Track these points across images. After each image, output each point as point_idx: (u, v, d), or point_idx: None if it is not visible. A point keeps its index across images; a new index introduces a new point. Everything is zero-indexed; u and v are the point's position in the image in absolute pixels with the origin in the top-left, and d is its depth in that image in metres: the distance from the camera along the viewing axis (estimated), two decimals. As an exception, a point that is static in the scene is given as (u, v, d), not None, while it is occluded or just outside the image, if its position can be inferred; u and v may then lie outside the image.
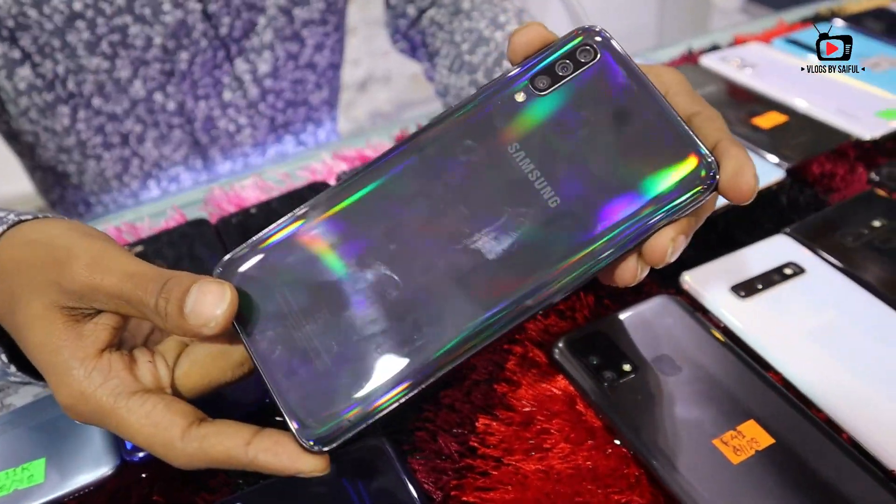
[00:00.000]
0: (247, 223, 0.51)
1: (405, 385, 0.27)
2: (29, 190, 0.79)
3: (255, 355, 0.28)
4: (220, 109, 0.71)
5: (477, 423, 0.36)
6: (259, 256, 0.29)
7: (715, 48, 0.71)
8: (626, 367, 0.37)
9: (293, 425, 0.27)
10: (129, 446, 0.36)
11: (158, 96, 0.66)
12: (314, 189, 0.54)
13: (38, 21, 0.56)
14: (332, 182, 0.56)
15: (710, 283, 0.42)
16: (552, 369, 0.39)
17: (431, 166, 0.29)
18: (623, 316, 0.40)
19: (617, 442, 0.35)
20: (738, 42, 0.72)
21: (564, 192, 0.28)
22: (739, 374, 0.37)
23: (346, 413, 0.27)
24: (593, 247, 0.27)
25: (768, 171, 0.51)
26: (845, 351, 0.38)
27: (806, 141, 0.55)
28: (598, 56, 0.29)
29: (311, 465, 0.27)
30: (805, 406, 0.35)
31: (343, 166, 0.58)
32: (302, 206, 0.30)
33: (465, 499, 0.33)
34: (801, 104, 0.60)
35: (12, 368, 0.34)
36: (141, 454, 0.36)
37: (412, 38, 0.75)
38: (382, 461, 0.35)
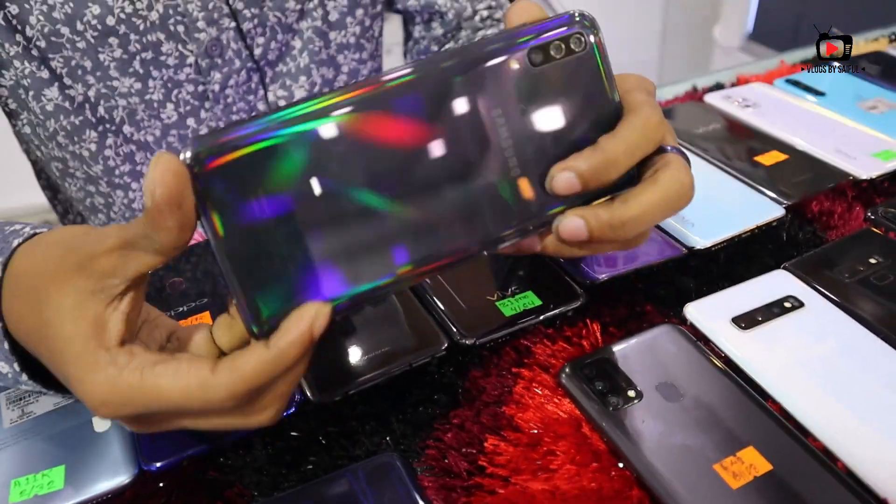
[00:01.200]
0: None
1: (350, 293, 0.30)
2: (41, 200, 0.79)
3: (216, 243, 0.29)
4: None
5: (486, 444, 0.37)
6: (230, 150, 0.29)
7: (719, 87, 0.74)
8: (631, 393, 0.39)
9: (244, 316, 0.30)
10: (146, 454, 0.37)
11: (192, 121, 0.65)
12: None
13: (71, 39, 0.57)
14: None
15: (712, 314, 0.44)
16: (559, 393, 0.40)
17: (419, 104, 0.31)
18: (628, 344, 0.42)
19: (621, 465, 0.36)
20: (741, 82, 0.75)
21: (525, 164, 0.32)
22: (739, 403, 0.38)
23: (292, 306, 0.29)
24: (536, 216, 0.33)
25: (768, 207, 0.53)
26: (841, 383, 0.39)
27: (805, 179, 0.57)
28: (586, 49, 0.32)
29: (310, 314, 0.30)
30: (802, 435, 0.37)
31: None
32: (285, 110, 0.29)
33: (473, 516, 0.34)
34: (800, 143, 0.62)
35: (24, 377, 0.35)
36: (159, 464, 0.37)
37: None
38: (393, 477, 0.36)
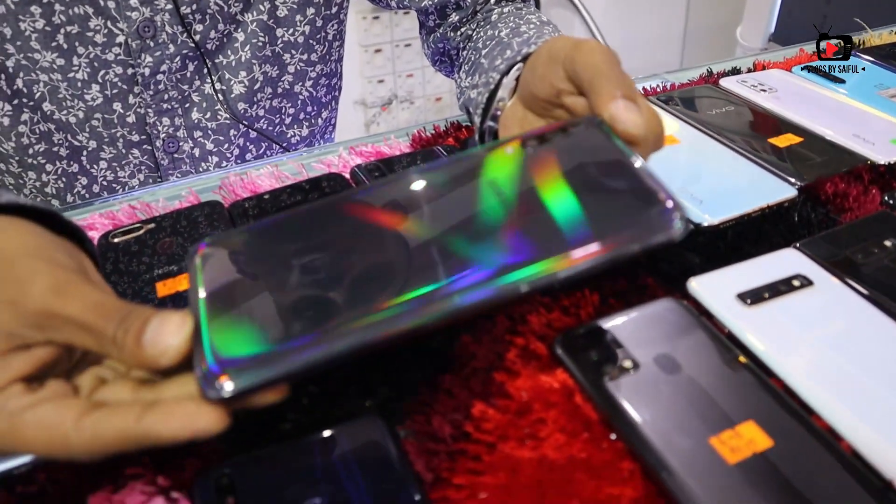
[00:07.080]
0: (259, 207, 0.52)
1: (320, 352, 0.27)
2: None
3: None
4: (185, 130, 0.64)
5: (473, 409, 0.36)
6: (229, 243, 0.32)
7: (735, 72, 0.72)
8: (627, 364, 0.37)
9: (203, 364, 0.26)
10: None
11: (118, 105, 0.60)
12: (330, 179, 0.55)
13: None
14: (347, 174, 0.56)
15: (717, 289, 0.42)
16: (552, 362, 0.38)
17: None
18: (627, 315, 0.40)
19: (613, 436, 0.34)
20: (758, 68, 0.73)
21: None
22: (741, 377, 0.36)
23: (257, 360, 0.26)
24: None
25: (780, 187, 0.51)
26: (849, 362, 0.37)
27: (820, 161, 0.55)
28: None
29: (205, 421, 0.26)
30: (806, 413, 0.35)
31: (358, 160, 0.58)
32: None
33: (455, 481, 0.33)
34: (817, 127, 0.60)
35: None
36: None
37: (451, 56, 0.76)
38: (375, 440, 0.34)
